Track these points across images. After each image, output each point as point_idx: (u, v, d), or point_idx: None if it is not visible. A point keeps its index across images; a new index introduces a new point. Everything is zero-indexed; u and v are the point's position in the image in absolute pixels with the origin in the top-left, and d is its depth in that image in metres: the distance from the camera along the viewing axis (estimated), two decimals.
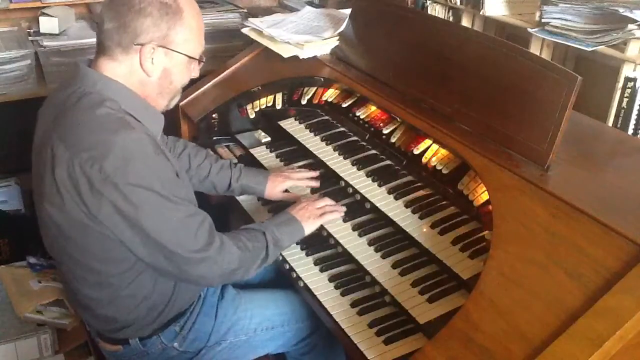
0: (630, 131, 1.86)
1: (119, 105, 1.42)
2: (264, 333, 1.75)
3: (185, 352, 1.64)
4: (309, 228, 1.67)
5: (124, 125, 1.38)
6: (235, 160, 2.11)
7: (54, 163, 1.36)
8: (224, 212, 2.24)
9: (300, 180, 1.90)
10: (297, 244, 1.73)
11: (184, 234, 1.41)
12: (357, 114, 1.99)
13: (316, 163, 1.95)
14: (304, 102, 2.17)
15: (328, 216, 1.70)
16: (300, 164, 2.00)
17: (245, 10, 3.05)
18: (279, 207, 1.85)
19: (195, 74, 1.58)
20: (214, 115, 2.22)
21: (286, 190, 1.89)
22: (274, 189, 1.87)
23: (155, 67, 1.46)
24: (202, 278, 1.49)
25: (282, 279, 1.80)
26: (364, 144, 1.94)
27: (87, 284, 1.50)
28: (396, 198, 1.68)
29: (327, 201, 1.75)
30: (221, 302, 1.70)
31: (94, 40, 2.64)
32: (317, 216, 1.69)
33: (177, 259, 1.41)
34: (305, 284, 1.65)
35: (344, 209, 1.75)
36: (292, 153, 2.07)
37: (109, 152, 1.33)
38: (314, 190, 1.88)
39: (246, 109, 2.24)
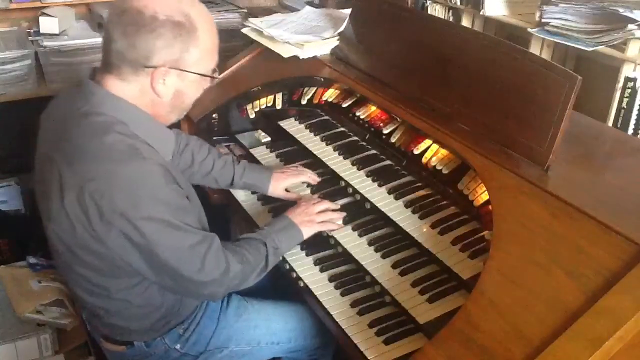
0: (630, 131, 1.86)
1: (128, 127, 1.37)
2: (269, 347, 1.74)
3: (186, 355, 1.64)
4: (307, 233, 1.67)
5: (134, 155, 1.33)
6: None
7: (62, 188, 1.33)
8: (225, 213, 2.24)
9: (302, 178, 1.90)
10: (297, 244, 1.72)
11: (192, 260, 1.40)
12: (357, 114, 1.98)
13: (316, 163, 1.95)
14: (304, 102, 2.17)
15: (329, 225, 1.70)
16: (300, 164, 2.00)
17: (245, 10, 3.04)
18: (280, 208, 1.85)
19: (206, 86, 1.51)
20: (214, 115, 2.21)
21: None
22: (277, 187, 1.88)
23: (168, 88, 1.40)
24: (207, 297, 1.54)
25: (283, 281, 1.80)
26: (364, 144, 1.94)
27: (95, 297, 1.50)
28: (396, 198, 1.68)
29: (327, 204, 1.75)
30: (224, 308, 1.70)
31: (94, 40, 2.71)
32: (316, 222, 1.68)
33: (184, 281, 1.42)
34: (305, 284, 1.64)
35: (343, 214, 1.74)
36: (292, 153, 2.07)
37: (118, 184, 1.30)
38: (314, 190, 1.88)
39: (246, 109, 2.24)
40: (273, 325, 1.74)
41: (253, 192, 1.99)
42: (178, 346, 1.62)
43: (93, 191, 1.30)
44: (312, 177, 1.90)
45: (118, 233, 1.32)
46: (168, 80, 1.39)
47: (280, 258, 1.66)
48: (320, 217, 1.70)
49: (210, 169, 1.87)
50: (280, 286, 1.84)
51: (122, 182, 1.30)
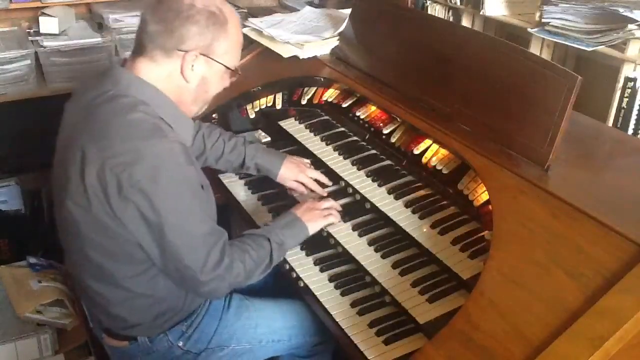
0: (630, 131, 1.86)
1: (152, 109, 1.42)
2: (270, 345, 1.74)
3: (188, 352, 1.64)
4: (314, 228, 1.67)
5: (157, 132, 1.38)
6: None
7: (83, 164, 1.36)
8: (225, 212, 2.24)
9: (311, 181, 1.87)
10: None
11: (199, 250, 1.41)
12: (357, 114, 1.98)
13: (316, 163, 1.95)
14: (304, 102, 2.17)
15: (332, 218, 1.70)
16: None
17: (245, 10, 3.05)
18: (280, 208, 1.85)
19: (227, 84, 1.59)
20: (214, 115, 2.21)
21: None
22: (288, 176, 1.87)
23: (195, 74, 1.47)
24: (209, 293, 1.53)
25: (284, 281, 1.80)
26: (364, 144, 1.94)
27: (101, 283, 1.51)
28: (396, 198, 1.68)
29: (331, 202, 1.76)
30: (226, 307, 1.70)
31: (94, 40, 2.70)
32: (321, 216, 1.69)
33: (188, 273, 1.43)
34: (305, 284, 1.65)
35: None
36: (292, 153, 2.06)
37: (139, 159, 1.33)
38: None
39: (246, 109, 2.24)
40: (274, 324, 1.75)
41: (253, 192, 1.99)
42: (180, 343, 1.62)
43: (114, 166, 1.33)
44: (319, 183, 1.89)
45: (133, 209, 1.34)
46: (197, 66, 1.46)
47: (286, 254, 1.66)
48: (325, 212, 1.70)
49: (221, 152, 1.89)
50: (282, 283, 1.84)
51: (143, 157, 1.34)
